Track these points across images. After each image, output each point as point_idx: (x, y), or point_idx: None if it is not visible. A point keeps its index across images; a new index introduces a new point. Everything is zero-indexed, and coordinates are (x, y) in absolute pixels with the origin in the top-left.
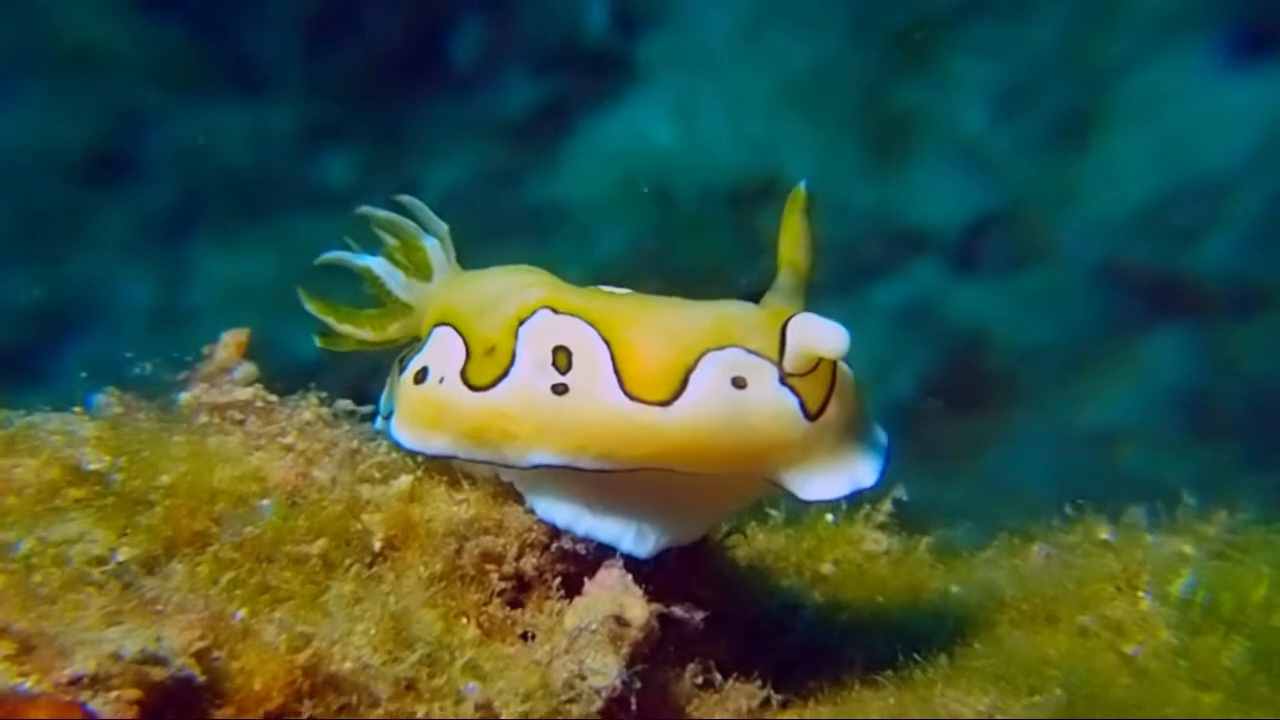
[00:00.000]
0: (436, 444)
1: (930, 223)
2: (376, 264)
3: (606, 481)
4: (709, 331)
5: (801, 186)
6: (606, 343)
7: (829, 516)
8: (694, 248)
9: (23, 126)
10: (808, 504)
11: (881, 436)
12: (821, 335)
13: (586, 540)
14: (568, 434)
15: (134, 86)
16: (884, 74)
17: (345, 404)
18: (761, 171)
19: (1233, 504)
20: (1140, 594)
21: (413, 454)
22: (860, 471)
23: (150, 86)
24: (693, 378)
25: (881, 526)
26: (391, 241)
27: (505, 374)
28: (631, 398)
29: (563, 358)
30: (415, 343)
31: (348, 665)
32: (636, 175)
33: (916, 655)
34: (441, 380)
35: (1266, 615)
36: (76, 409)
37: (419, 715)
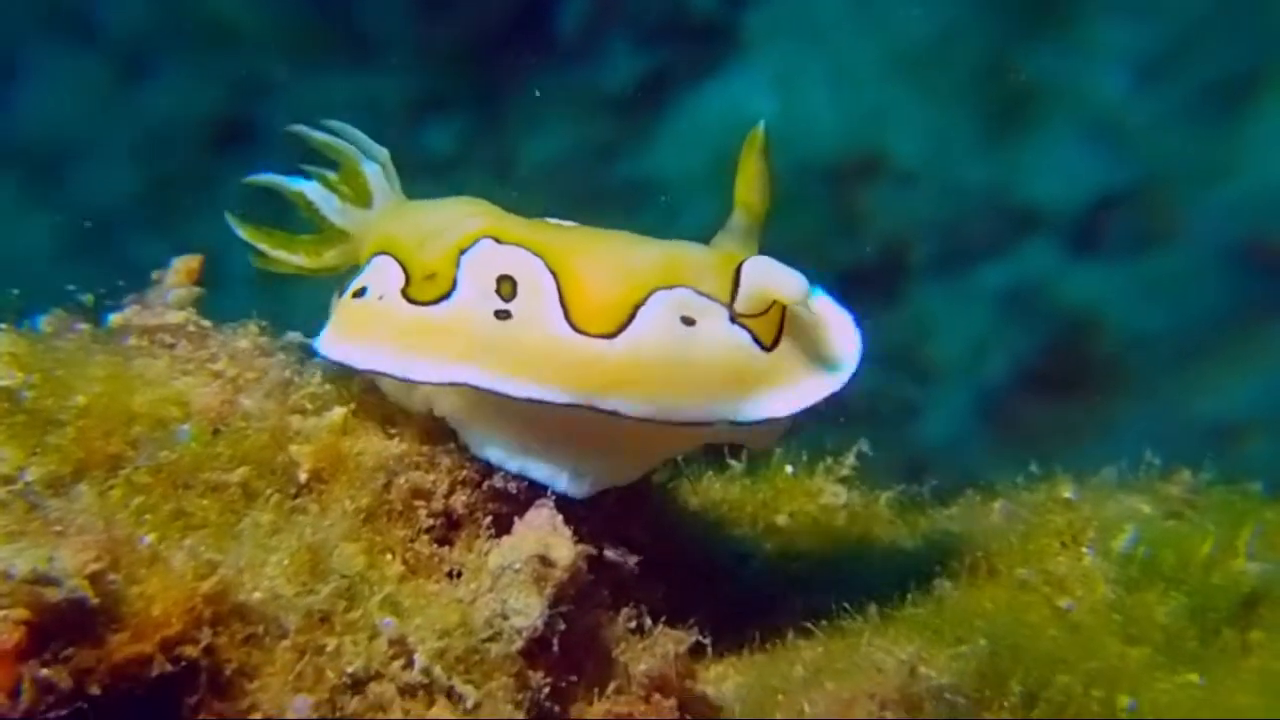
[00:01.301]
0: (358, 355)
1: (1047, 201)
2: (310, 189)
3: (540, 419)
4: (659, 270)
5: (760, 127)
6: (553, 274)
7: (788, 468)
8: (788, 223)
9: (161, 97)
10: (761, 428)
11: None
12: (780, 281)
13: (519, 479)
14: (501, 357)
15: (258, 57)
16: (1010, 41)
17: (295, 335)
18: (865, 146)
19: (1196, 464)
20: (1083, 549)
21: (335, 368)
22: (822, 383)
23: (272, 57)
24: (640, 313)
25: (843, 480)
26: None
27: (446, 296)
28: (576, 330)
29: (507, 286)
30: (354, 271)
31: (257, 595)
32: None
33: (852, 605)
34: (380, 298)
35: (1206, 573)
36: (3, 325)
37: (329, 647)
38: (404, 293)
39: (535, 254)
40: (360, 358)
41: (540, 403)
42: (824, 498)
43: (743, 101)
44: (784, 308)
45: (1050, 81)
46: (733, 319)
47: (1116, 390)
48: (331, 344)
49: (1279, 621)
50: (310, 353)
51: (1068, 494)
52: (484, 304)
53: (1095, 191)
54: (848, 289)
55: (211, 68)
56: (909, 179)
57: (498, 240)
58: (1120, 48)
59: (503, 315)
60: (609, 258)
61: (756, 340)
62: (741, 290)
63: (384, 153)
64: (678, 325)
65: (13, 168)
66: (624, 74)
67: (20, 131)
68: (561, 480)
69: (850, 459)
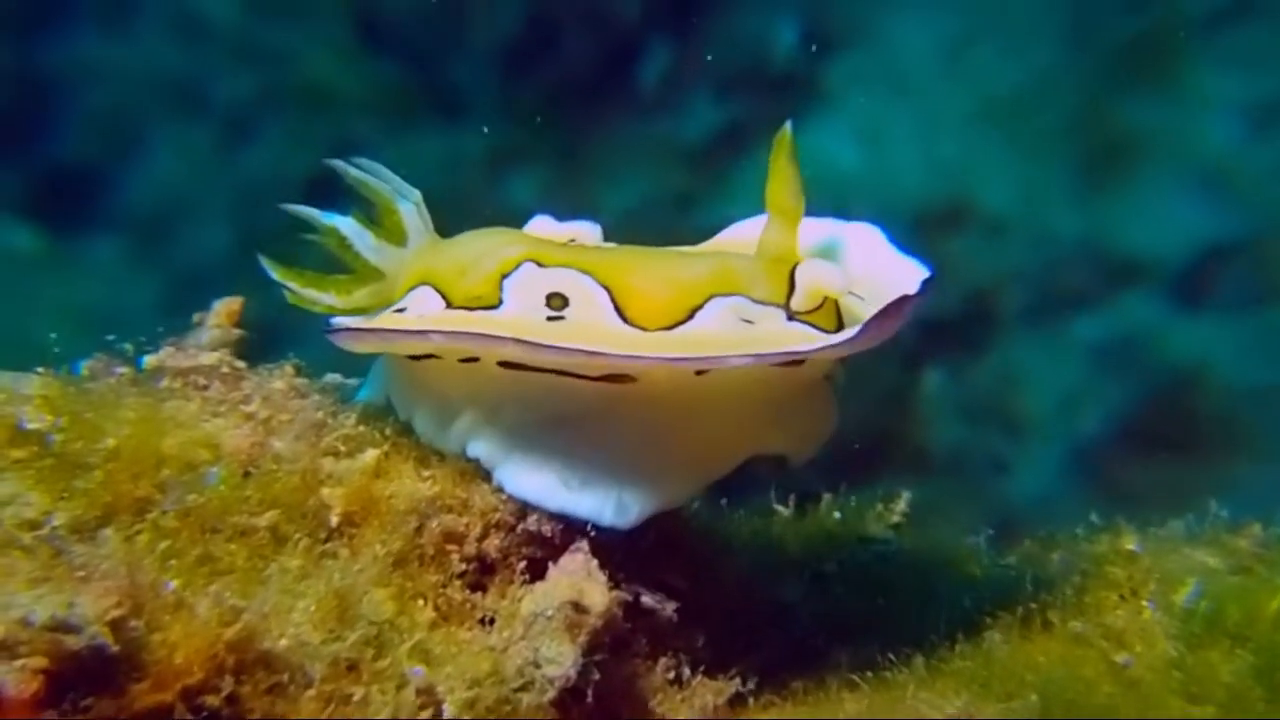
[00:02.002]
0: (390, 334)
1: (1149, 252)
2: (344, 224)
3: (587, 435)
4: (713, 279)
5: (787, 127)
6: (605, 288)
7: (836, 514)
8: None
9: (262, 159)
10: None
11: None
12: (822, 274)
13: (557, 520)
14: (553, 334)
15: (351, 118)
16: (1104, 90)
17: (334, 378)
18: (950, 196)
19: (1268, 517)
20: (1144, 603)
21: (370, 409)
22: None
23: (364, 117)
24: (698, 315)
25: (894, 527)
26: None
27: (494, 308)
28: (634, 325)
29: (558, 301)
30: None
31: (283, 642)
32: (812, 199)
33: (899, 657)
34: (420, 316)
35: (1274, 630)
36: (40, 370)
37: (355, 697)
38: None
39: (583, 272)
40: (390, 336)
41: (600, 358)
42: (874, 545)
43: (825, 151)
44: (837, 304)
45: (1151, 131)
46: (790, 317)
47: (1227, 449)
48: (348, 337)
49: None
50: (345, 394)
51: (1131, 546)
52: (535, 314)
53: (1202, 243)
54: (931, 339)
55: (307, 130)
56: (997, 228)
57: (540, 264)
58: (1230, 97)
59: (555, 320)
60: (660, 270)
61: (818, 329)
62: (797, 290)
63: (416, 193)
64: (738, 322)
65: (125, 230)
66: (704, 125)
67: (135, 197)
68: (607, 512)
69: (901, 505)
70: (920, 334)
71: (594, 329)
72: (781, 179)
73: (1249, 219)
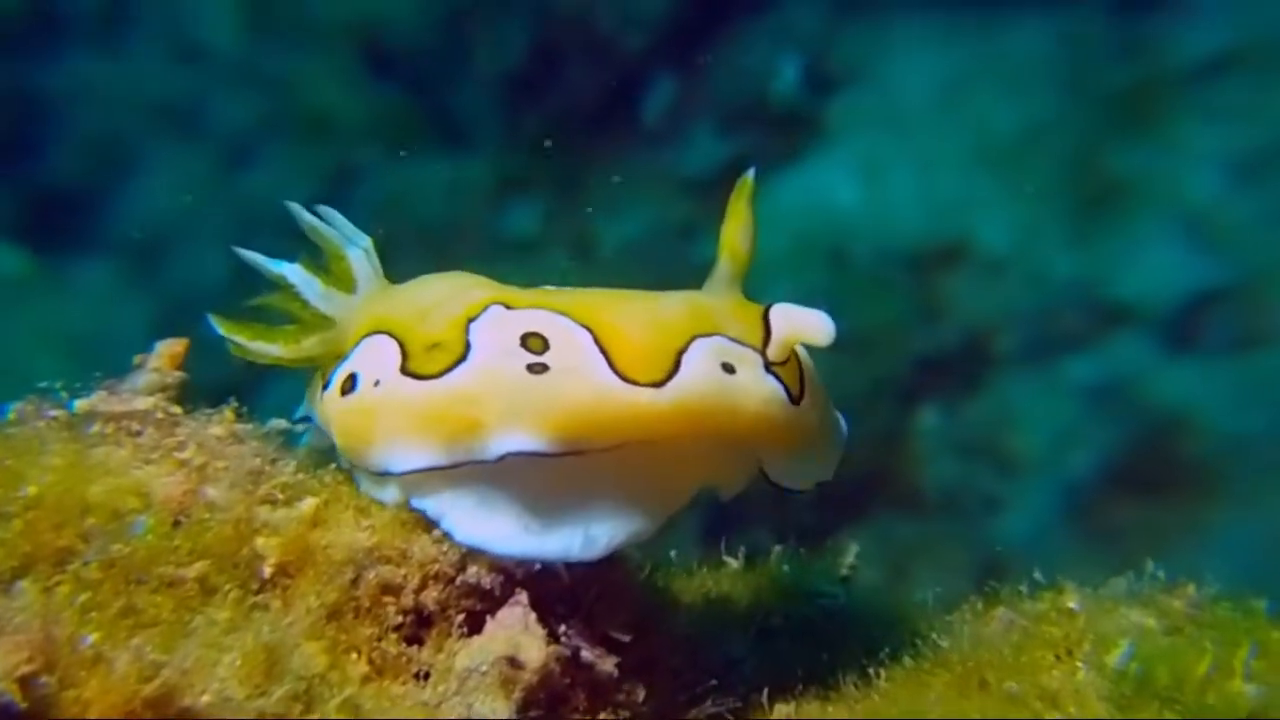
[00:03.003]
0: (372, 458)
1: (1139, 297)
2: (291, 271)
3: (543, 478)
4: (692, 316)
5: (750, 174)
6: (585, 327)
7: (785, 567)
8: (865, 310)
9: (261, 184)
10: (785, 490)
11: (842, 426)
12: (810, 325)
13: (497, 574)
14: (548, 413)
15: (352, 145)
16: (1097, 136)
17: (279, 423)
18: (948, 235)
19: (1199, 577)
20: (1078, 664)
21: (311, 456)
22: (830, 463)
23: (366, 144)
24: (685, 359)
25: (843, 580)
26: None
27: (462, 359)
28: (624, 379)
29: (536, 342)
30: (335, 363)
31: (205, 698)
32: (811, 235)
33: (836, 713)
34: (376, 383)
35: (1202, 693)
36: None
37: None
38: (404, 369)
39: (558, 313)
40: (377, 459)
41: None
42: (821, 599)
43: (824, 188)
44: (799, 362)
45: (1141, 178)
46: (767, 368)
47: (1210, 494)
48: (342, 452)
49: None
50: (290, 439)
51: (1071, 604)
52: (511, 361)
53: (1190, 288)
54: (927, 376)
55: (307, 155)
56: (995, 268)
57: (507, 307)
58: (1215, 148)
59: (538, 369)
60: (637, 307)
61: (788, 393)
62: (774, 337)
63: (366, 240)
64: (721, 372)
65: (116, 254)
66: (706, 159)
67: (127, 220)
68: (574, 548)
69: (849, 558)
70: (917, 371)
71: (585, 406)
72: (737, 221)
73: (1235, 266)
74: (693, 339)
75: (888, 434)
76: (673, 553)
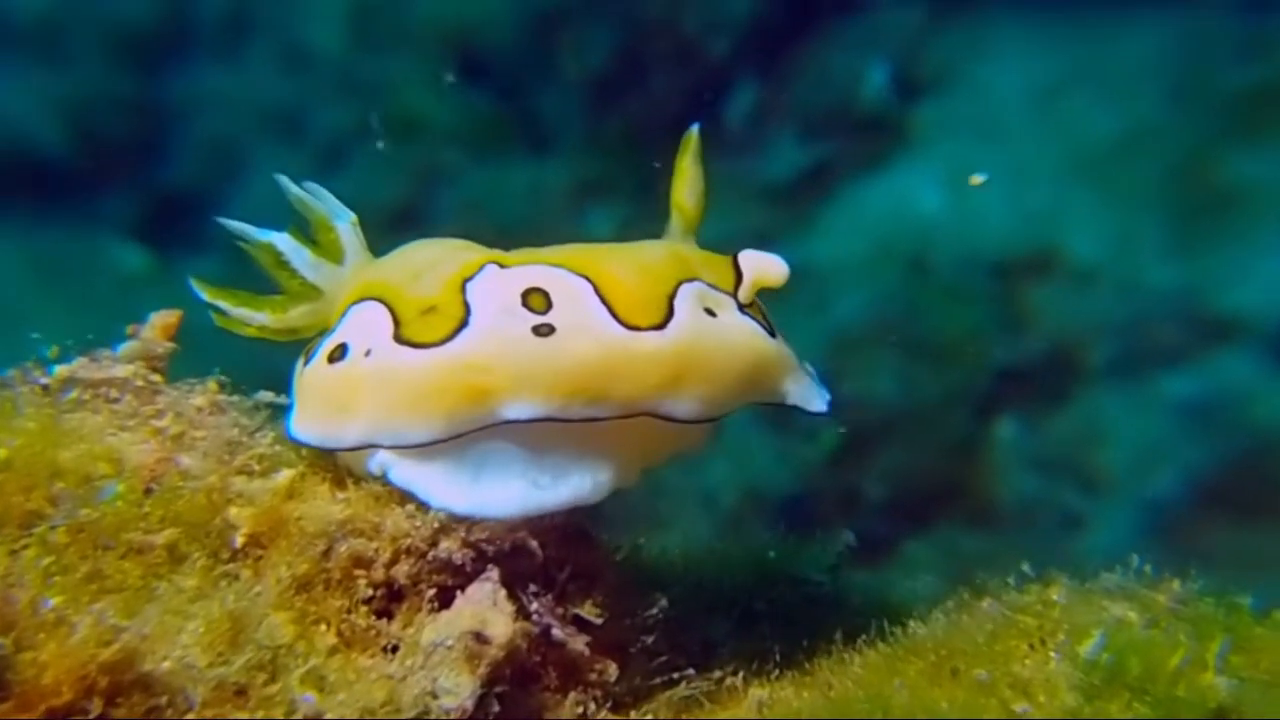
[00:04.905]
0: (353, 432)
1: (1248, 310)
2: (280, 240)
3: (548, 431)
4: (673, 263)
5: (694, 130)
6: (584, 277)
7: (771, 553)
8: (944, 318)
9: (351, 188)
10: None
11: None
12: (773, 268)
13: (469, 549)
14: (558, 377)
15: (440, 147)
16: (1208, 143)
17: (266, 395)
18: (1036, 244)
19: (1184, 573)
20: (1051, 653)
21: (323, 450)
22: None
23: (452, 147)
24: (676, 304)
25: (831, 569)
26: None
27: (464, 325)
28: (627, 326)
29: (537, 299)
30: (320, 337)
31: (166, 664)
32: (890, 242)
33: (809, 698)
34: (368, 353)
35: (1172, 685)
36: None
37: None
38: (398, 337)
39: (554, 266)
40: (351, 438)
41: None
42: (807, 586)
43: (908, 195)
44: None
45: (1256, 186)
46: (741, 309)
47: None
48: (306, 428)
49: None
50: (277, 413)
51: (1056, 596)
52: (515, 323)
53: None
54: (1007, 388)
55: (398, 158)
56: (1086, 279)
57: (502, 265)
58: None
59: (544, 330)
60: (625, 255)
61: (766, 329)
62: (745, 280)
63: (352, 215)
64: (706, 316)
65: (225, 251)
66: (787, 164)
67: (236, 220)
68: (585, 492)
69: (838, 547)
70: (996, 382)
71: (597, 365)
72: (683, 177)
73: None
74: (679, 284)
75: (962, 445)
76: (641, 541)
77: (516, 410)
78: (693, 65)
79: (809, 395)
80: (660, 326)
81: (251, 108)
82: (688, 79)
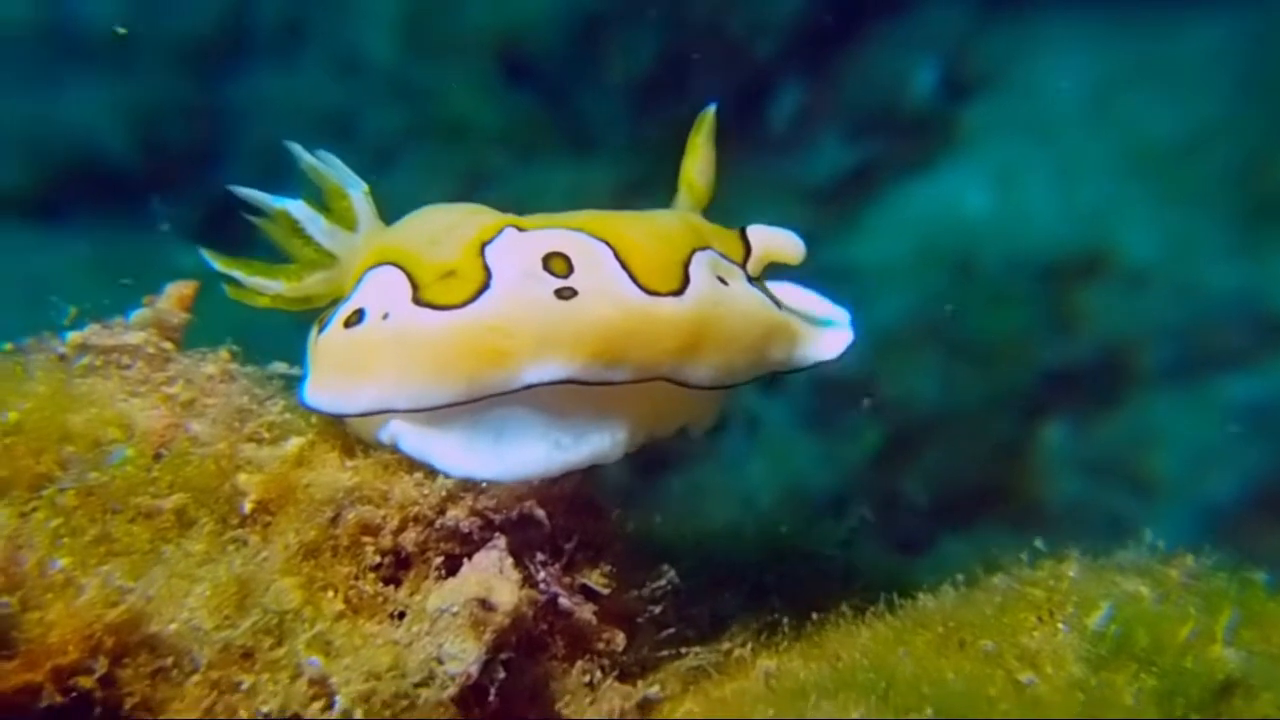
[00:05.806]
0: (370, 395)
1: None
2: (295, 207)
3: (565, 393)
4: (687, 231)
5: (710, 109)
6: (604, 241)
7: (783, 528)
8: (991, 320)
9: (401, 189)
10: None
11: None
12: (787, 243)
13: (477, 517)
14: (580, 340)
15: (485, 150)
16: (1274, 141)
17: (279, 366)
18: (1088, 245)
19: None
20: (1059, 625)
21: (336, 417)
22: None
23: (497, 149)
24: (691, 270)
25: (844, 544)
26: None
27: (485, 288)
28: (647, 291)
29: (558, 263)
30: (333, 306)
31: (173, 626)
32: (936, 242)
33: (817, 669)
34: (386, 316)
35: (1180, 657)
36: None
37: (243, 685)
38: (418, 300)
39: (573, 230)
40: (365, 403)
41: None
42: (818, 561)
43: (955, 196)
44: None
45: None
46: (750, 281)
47: None
48: (320, 393)
49: (1250, 712)
50: (293, 388)
51: (1071, 572)
52: (538, 286)
53: None
54: (1056, 390)
55: (444, 160)
56: (1139, 280)
57: (520, 229)
58: None
59: (566, 293)
60: (642, 223)
61: (772, 300)
62: (754, 253)
63: (364, 184)
64: (720, 284)
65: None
66: (831, 166)
67: None
68: (605, 449)
69: (852, 522)
70: (1044, 385)
71: (619, 329)
72: (695, 156)
73: None
74: (693, 251)
75: (1008, 447)
76: (657, 518)
77: (538, 373)
78: (738, 67)
79: (819, 350)
80: (678, 293)
81: (304, 113)
82: (733, 81)
